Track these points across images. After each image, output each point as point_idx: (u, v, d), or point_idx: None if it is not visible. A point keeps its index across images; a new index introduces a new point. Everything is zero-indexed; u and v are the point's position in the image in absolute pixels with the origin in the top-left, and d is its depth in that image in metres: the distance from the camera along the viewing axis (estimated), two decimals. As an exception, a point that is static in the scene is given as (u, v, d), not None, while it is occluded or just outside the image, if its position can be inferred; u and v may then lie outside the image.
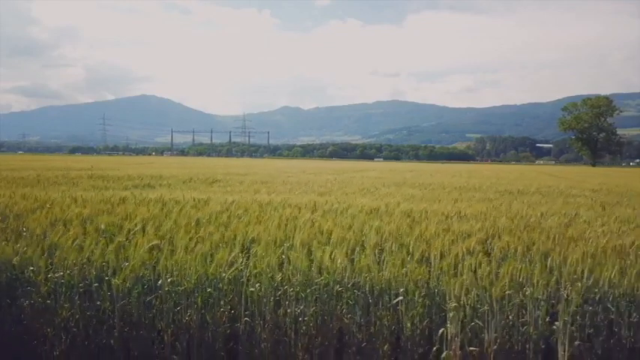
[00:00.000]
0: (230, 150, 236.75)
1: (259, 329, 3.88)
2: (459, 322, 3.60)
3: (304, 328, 3.83)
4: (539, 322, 3.68)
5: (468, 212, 6.50)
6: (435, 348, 3.62)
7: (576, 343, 3.53)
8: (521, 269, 3.90)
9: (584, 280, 3.81)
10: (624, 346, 3.76)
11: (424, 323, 3.85)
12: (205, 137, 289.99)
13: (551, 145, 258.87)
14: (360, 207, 6.54)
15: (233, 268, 3.95)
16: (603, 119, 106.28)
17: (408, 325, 3.80)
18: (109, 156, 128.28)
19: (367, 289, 3.89)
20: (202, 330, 3.89)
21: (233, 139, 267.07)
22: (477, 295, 3.70)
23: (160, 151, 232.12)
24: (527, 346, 3.73)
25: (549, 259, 4.20)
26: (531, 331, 3.71)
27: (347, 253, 4.24)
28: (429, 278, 3.94)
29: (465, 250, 4.42)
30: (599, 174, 40.90)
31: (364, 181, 16.62)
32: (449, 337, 3.60)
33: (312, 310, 3.88)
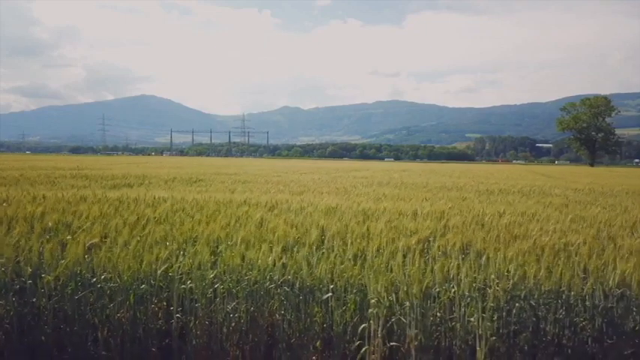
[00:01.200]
0: (230, 150, 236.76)
1: (192, 326, 3.92)
2: (381, 319, 3.64)
3: (233, 324, 3.88)
4: (466, 318, 3.71)
5: (426, 211, 6.54)
6: (356, 344, 3.66)
7: (492, 338, 3.57)
8: (450, 266, 3.95)
9: (511, 277, 3.86)
10: (550, 342, 3.80)
11: (354, 320, 3.89)
12: (205, 137, 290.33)
13: (550, 145, 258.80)
14: (316, 206, 6.58)
15: (165, 266, 3.99)
16: (601, 119, 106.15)
17: (338, 321, 3.84)
18: (107, 156, 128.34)
19: (297, 286, 3.93)
20: (134, 326, 3.93)
21: (233, 139, 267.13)
22: (405, 292, 3.73)
23: (160, 151, 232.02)
24: (454, 342, 3.77)
25: (483, 256, 4.24)
26: (458, 327, 3.75)
27: (284, 250, 4.29)
28: (362, 275, 3.98)
29: (404, 247, 4.46)
30: (593, 174, 40.92)
31: (348, 181, 16.65)
32: (371, 333, 3.64)
33: (243, 306, 3.92)
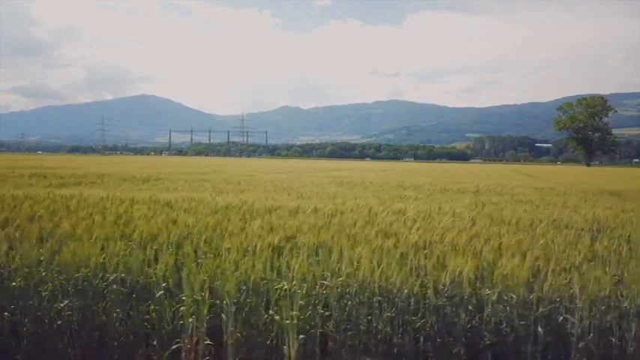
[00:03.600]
0: (229, 150, 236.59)
1: (22, 324, 3.87)
2: (202, 316, 3.59)
3: (60, 322, 3.83)
4: (289, 315, 3.65)
5: (327, 209, 6.48)
6: (174, 342, 3.61)
7: (301, 337, 3.51)
8: (287, 263, 3.89)
9: (342, 273, 3.80)
10: (382, 340, 3.74)
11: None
12: (204, 137, 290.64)
13: (550, 145, 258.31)
14: (212, 204, 6.54)
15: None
16: (598, 119, 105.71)
17: (169, 319, 3.78)
18: (103, 156, 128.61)
19: (129, 283, 3.88)
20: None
21: (233, 139, 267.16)
22: (223, 289, 3.68)
23: (159, 151, 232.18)
24: (288, 340, 3.71)
25: (333, 254, 4.18)
26: (287, 326, 3.69)
27: (140, 248, 4.25)
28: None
29: (262, 245, 4.41)
30: (581, 173, 40.81)
31: (310, 180, 16.64)
32: (189, 331, 3.59)
33: (76, 304, 3.87)
